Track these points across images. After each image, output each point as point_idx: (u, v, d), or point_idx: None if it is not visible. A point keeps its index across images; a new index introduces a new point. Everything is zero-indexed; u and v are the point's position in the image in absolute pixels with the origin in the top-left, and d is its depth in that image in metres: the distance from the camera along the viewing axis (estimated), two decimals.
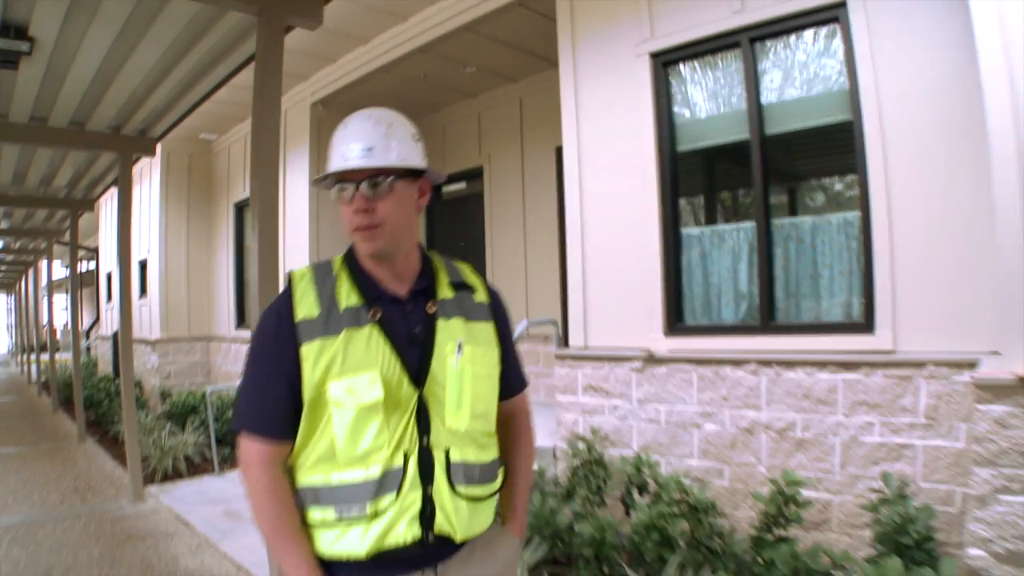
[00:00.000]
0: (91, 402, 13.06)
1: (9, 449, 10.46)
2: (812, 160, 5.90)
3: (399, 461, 1.83)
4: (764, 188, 5.37)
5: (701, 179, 6.40)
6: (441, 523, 1.86)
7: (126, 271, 8.12)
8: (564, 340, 7.63)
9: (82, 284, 23.94)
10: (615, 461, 5.41)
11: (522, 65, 9.39)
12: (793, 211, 5.53)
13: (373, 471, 1.81)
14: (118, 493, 7.77)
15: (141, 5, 4.68)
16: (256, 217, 4.14)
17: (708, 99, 5.83)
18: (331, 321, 1.86)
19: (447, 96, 10.56)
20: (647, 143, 5.91)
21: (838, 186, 5.47)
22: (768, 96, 5.42)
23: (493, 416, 2.04)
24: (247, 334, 12.20)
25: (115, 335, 15.20)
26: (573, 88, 6.51)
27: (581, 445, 5.68)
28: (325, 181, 1.94)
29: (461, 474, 1.91)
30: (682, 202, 6.07)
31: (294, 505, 1.88)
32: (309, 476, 1.87)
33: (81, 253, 18.58)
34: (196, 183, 14.40)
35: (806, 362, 5.01)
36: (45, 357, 17.99)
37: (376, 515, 1.81)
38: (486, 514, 2.01)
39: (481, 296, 2.11)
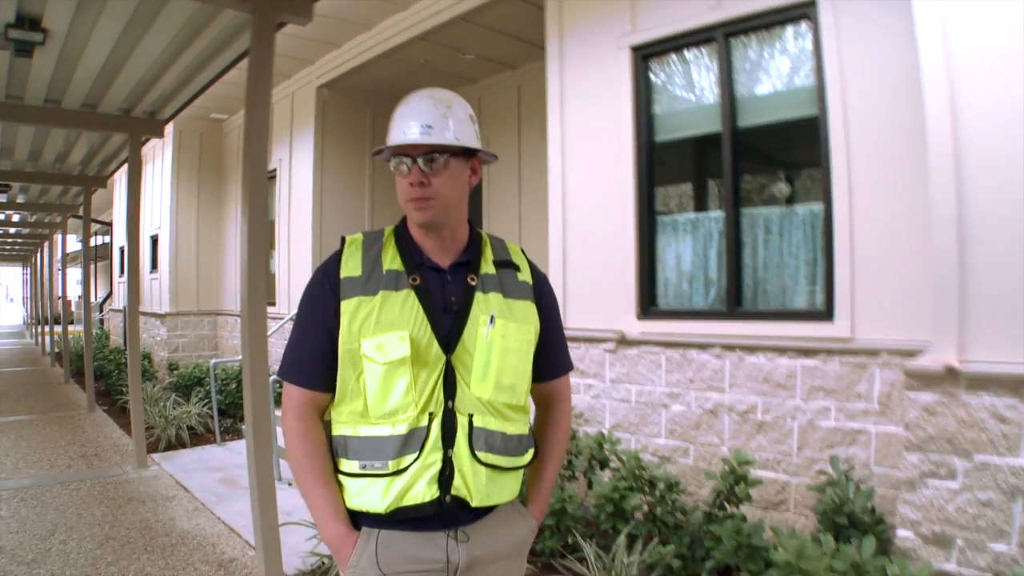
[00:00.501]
0: (101, 373, 13.47)
1: (21, 417, 10.86)
2: (781, 153, 6.07)
3: (424, 421, 1.91)
4: (734, 179, 5.59)
5: (676, 169, 6.60)
6: (458, 486, 1.93)
7: (134, 247, 8.46)
8: None
9: (96, 258, 24.37)
10: (587, 438, 5.67)
11: (519, 53, 9.62)
12: (761, 201, 5.74)
13: (399, 428, 1.90)
14: (123, 460, 8.13)
15: (145, 2, 5.03)
16: (246, 203, 4.40)
17: (685, 92, 6.04)
18: (371, 282, 1.97)
19: (448, 82, 10.72)
20: (626, 133, 6.14)
21: (805, 179, 5.67)
22: (740, 90, 5.62)
23: (522, 391, 2.09)
24: None
25: (125, 308, 15.56)
26: (559, 78, 6.73)
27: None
28: (382, 154, 2.04)
29: (482, 440, 1.97)
30: (658, 191, 6.29)
31: (326, 451, 2.01)
32: (342, 427, 1.98)
33: (96, 227, 18.90)
34: (207, 161, 14.73)
35: (768, 347, 5.24)
36: (59, 329, 18.36)
37: (398, 472, 1.90)
38: (507, 487, 2.06)
39: (525, 276, 2.18)
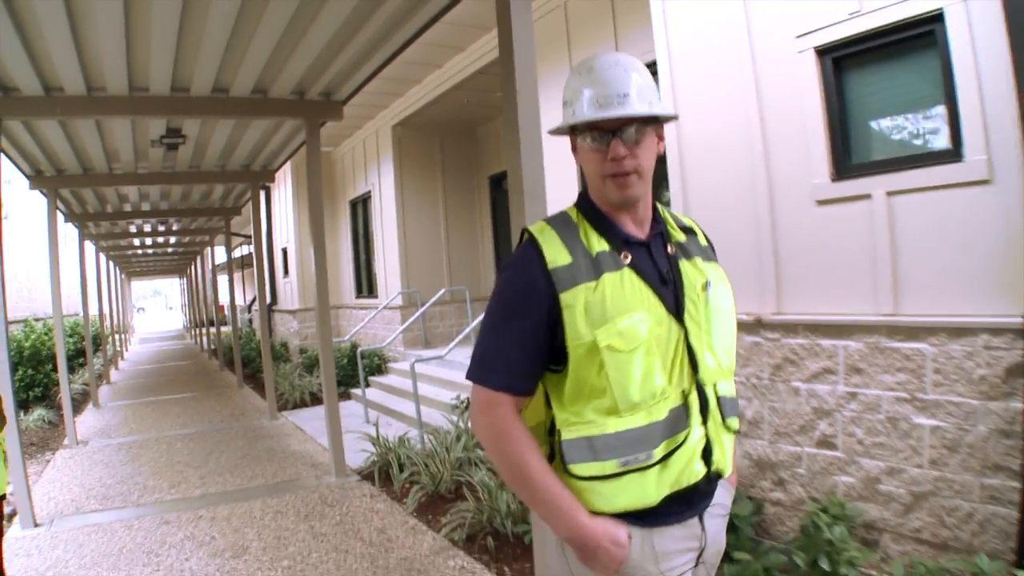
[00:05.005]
0: (248, 360, 16.87)
1: (187, 394, 14.38)
2: None
3: (680, 400, 1.81)
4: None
5: None
6: (718, 458, 1.86)
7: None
8: None
9: (244, 265, 28.23)
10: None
11: None
12: None
13: (658, 413, 1.77)
14: (260, 415, 11.35)
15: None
16: (314, 244, 7.15)
17: None
18: (586, 267, 1.81)
19: (495, 111, 13.15)
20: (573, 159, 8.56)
21: None
22: None
23: (734, 352, 2.00)
24: (364, 302, 15.74)
25: (268, 307, 19.02)
26: None
27: None
28: (567, 131, 1.94)
29: (729, 407, 1.91)
30: None
31: (537, 444, 1.85)
32: (581, 429, 1.80)
33: (239, 240, 22.18)
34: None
35: None
36: (213, 330, 22.18)
37: (666, 457, 1.78)
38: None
39: (703, 240, 2.10)
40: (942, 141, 4.47)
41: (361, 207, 16.32)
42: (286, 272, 18.64)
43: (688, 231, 2.06)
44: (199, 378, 17.45)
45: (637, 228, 1.93)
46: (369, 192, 15.25)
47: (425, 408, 9.01)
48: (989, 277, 4.13)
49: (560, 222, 1.93)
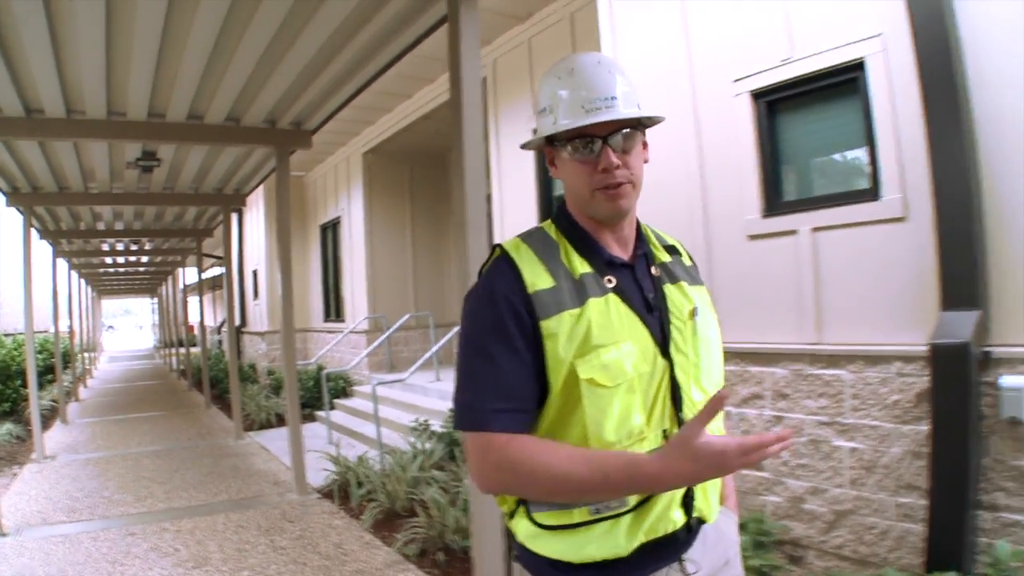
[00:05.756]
0: (216, 381, 17.00)
1: (155, 413, 14.49)
2: None
3: (659, 441, 1.60)
4: None
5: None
6: (700, 504, 1.67)
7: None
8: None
9: (214, 287, 28.34)
10: None
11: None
12: None
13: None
14: (226, 435, 11.48)
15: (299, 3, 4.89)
16: (281, 270, 7.40)
17: None
18: (570, 291, 1.61)
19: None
20: (531, 189, 8.95)
21: None
22: None
23: (723, 385, 1.79)
24: (332, 325, 15.92)
25: (237, 328, 19.18)
26: (497, 151, 9.53)
27: None
28: (539, 143, 1.75)
29: None
30: None
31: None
32: None
33: (211, 261, 22.27)
34: (292, 210, 17.55)
35: None
36: (183, 351, 22.24)
37: (642, 504, 1.58)
38: (719, 493, 1.81)
39: (687, 260, 1.92)
40: (863, 181, 4.84)
41: (331, 232, 16.57)
42: (256, 294, 18.83)
43: (672, 250, 1.88)
44: (167, 397, 17.54)
45: (620, 248, 1.74)
46: (339, 217, 15.53)
47: (386, 430, 9.22)
48: (903, 308, 4.46)
49: (538, 240, 1.71)
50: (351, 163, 14.70)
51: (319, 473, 7.79)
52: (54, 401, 14.35)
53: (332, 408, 12.32)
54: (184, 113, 7.05)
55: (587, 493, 1.53)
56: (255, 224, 18.54)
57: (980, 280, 4.15)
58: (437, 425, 8.40)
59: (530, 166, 9.02)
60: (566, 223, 1.75)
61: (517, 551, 1.75)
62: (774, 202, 5.23)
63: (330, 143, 14.33)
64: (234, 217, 17.73)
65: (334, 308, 16.48)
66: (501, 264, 1.66)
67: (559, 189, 8.48)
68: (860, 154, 4.88)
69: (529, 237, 1.73)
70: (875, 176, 4.69)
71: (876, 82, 4.65)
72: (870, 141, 4.72)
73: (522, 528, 1.68)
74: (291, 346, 7.83)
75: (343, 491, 7.27)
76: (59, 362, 13.67)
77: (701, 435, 1.41)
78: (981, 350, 4.10)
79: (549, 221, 1.79)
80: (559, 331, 1.56)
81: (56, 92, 6.10)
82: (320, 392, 12.51)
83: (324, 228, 16.90)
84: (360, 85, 6.61)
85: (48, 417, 13.79)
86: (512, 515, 1.71)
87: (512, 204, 9.42)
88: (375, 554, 5.70)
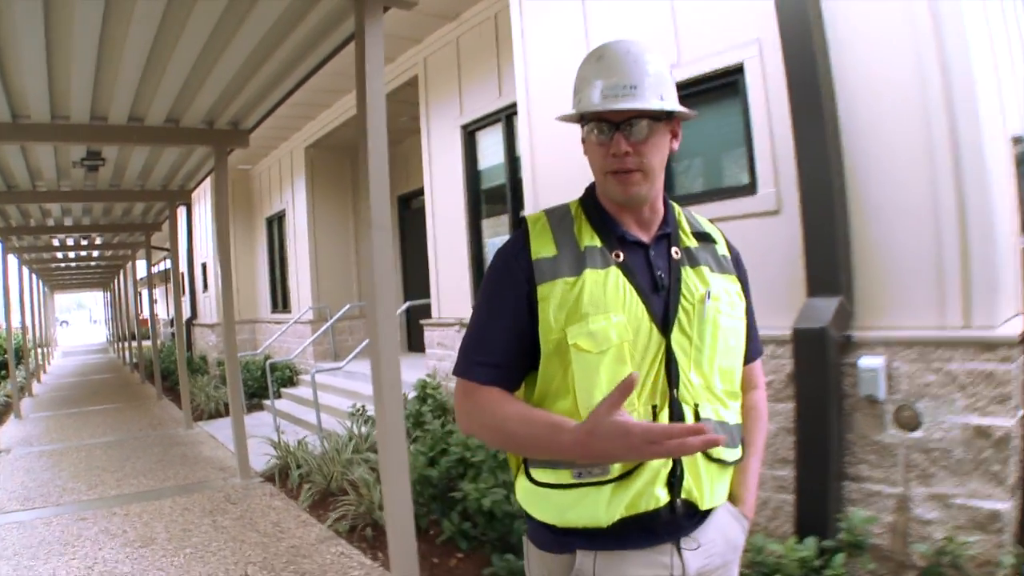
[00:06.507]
0: (167, 373, 17.16)
1: (108, 406, 14.76)
2: None
3: (647, 416, 1.64)
4: (514, 212, 8.64)
5: (490, 204, 9.44)
6: (689, 487, 1.68)
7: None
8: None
9: (167, 280, 28.33)
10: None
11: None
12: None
13: None
14: (176, 425, 11.84)
15: (232, 4, 4.95)
16: (220, 263, 7.70)
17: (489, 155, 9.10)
18: (570, 261, 1.70)
19: (404, 134, 13.69)
20: (459, 182, 9.38)
21: None
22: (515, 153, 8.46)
23: (738, 376, 1.84)
24: (279, 316, 16.20)
25: (188, 321, 19.42)
26: (428, 145, 9.99)
27: (428, 379, 8.94)
28: (577, 118, 1.80)
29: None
30: (484, 221, 9.35)
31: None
32: None
33: (160, 255, 22.32)
34: (239, 203, 17.77)
35: None
36: (136, 344, 22.41)
37: (623, 476, 1.62)
38: (726, 485, 1.82)
39: (723, 250, 1.93)
40: (743, 176, 5.26)
41: (276, 224, 16.82)
42: (205, 287, 19.04)
43: (705, 237, 1.90)
44: (120, 391, 17.81)
45: (640, 229, 1.80)
46: (284, 210, 15.84)
47: (327, 416, 9.62)
48: (777, 295, 4.84)
49: (557, 214, 1.83)
50: (294, 157, 14.99)
51: (262, 458, 8.17)
52: (7, 396, 14.56)
53: (279, 397, 12.73)
54: (125, 116, 7.24)
55: (525, 448, 1.70)
56: (203, 218, 18.74)
57: (842, 268, 4.52)
58: (373, 410, 8.70)
59: (457, 158, 9.47)
60: (589, 201, 1.85)
61: (526, 523, 1.87)
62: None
63: (274, 138, 14.59)
64: (183, 211, 17.93)
65: (281, 299, 16.74)
66: (519, 233, 1.81)
67: (487, 180, 8.95)
68: (740, 151, 5.28)
69: (551, 212, 1.85)
70: (752, 172, 5.11)
71: (753, 85, 5.03)
72: (748, 139, 5.12)
73: (520, 487, 1.81)
74: (232, 337, 8.19)
75: (283, 474, 7.65)
76: (12, 358, 13.86)
77: (608, 414, 1.46)
78: (842, 334, 4.50)
79: (578, 199, 1.90)
80: (551, 296, 1.67)
81: (2, 98, 6.33)
82: (267, 382, 12.86)
83: (270, 221, 17.14)
84: (292, 87, 6.85)
85: (2, 413, 14.09)
86: (517, 474, 1.83)
87: (442, 191, 9.85)
88: (309, 531, 6.11)
